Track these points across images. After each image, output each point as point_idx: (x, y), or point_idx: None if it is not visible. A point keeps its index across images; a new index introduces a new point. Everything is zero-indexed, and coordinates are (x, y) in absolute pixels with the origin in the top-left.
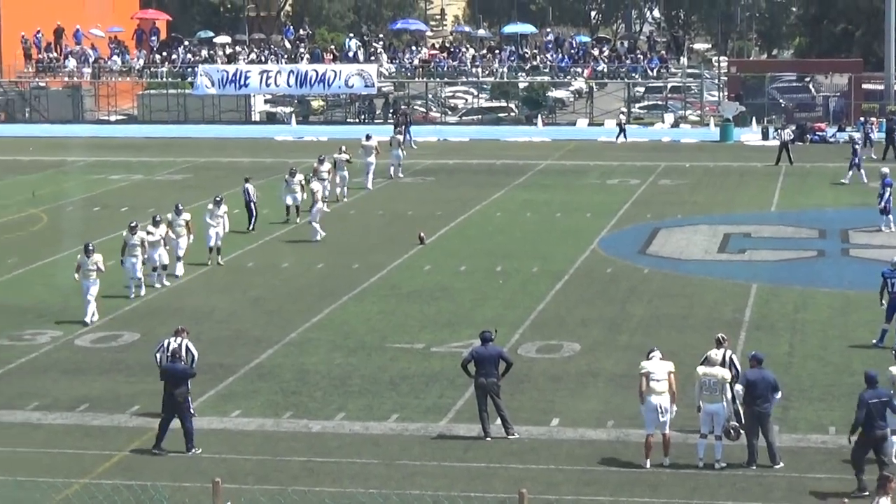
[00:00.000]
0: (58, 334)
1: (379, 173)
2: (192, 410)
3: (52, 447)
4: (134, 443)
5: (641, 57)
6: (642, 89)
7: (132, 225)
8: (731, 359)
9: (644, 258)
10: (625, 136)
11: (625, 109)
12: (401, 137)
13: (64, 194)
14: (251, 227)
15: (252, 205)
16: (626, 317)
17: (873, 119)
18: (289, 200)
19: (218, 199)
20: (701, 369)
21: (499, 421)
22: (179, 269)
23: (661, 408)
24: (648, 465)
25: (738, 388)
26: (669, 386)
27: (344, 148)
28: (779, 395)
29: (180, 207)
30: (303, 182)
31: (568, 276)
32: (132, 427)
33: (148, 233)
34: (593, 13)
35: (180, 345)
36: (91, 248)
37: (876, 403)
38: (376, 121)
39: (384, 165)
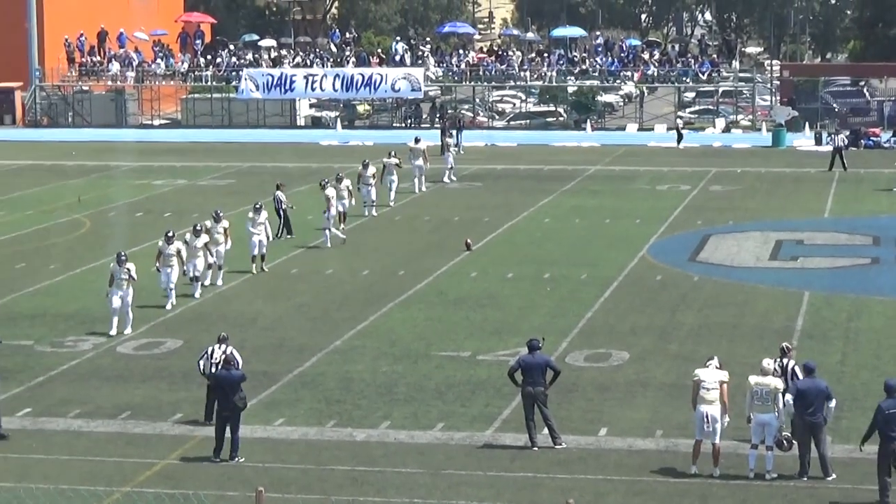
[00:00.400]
0: (100, 341)
1: (427, 178)
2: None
3: (93, 455)
4: (176, 451)
5: (692, 60)
6: (693, 94)
7: (168, 234)
8: (793, 369)
9: (694, 265)
10: (682, 141)
11: (683, 114)
12: (451, 141)
13: (107, 199)
14: (279, 235)
15: (281, 211)
16: (676, 325)
17: None
18: (339, 207)
19: (258, 205)
20: (753, 379)
21: (546, 430)
22: (219, 278)
23: (708, 417)
24: (694, 470)
25: (788, 397)
26: (721, 396)
27: (394, 152)
28: (833, 403)
29: (219, 214)
30: (350, 188)
31: (617, 283)
32: (175, 435)
33: (185, 242)
34: (644, 16)
35: (230, 351)
36: (124, 256)
37: (894, 413)
38: (423, 125)
39: (435, 170)
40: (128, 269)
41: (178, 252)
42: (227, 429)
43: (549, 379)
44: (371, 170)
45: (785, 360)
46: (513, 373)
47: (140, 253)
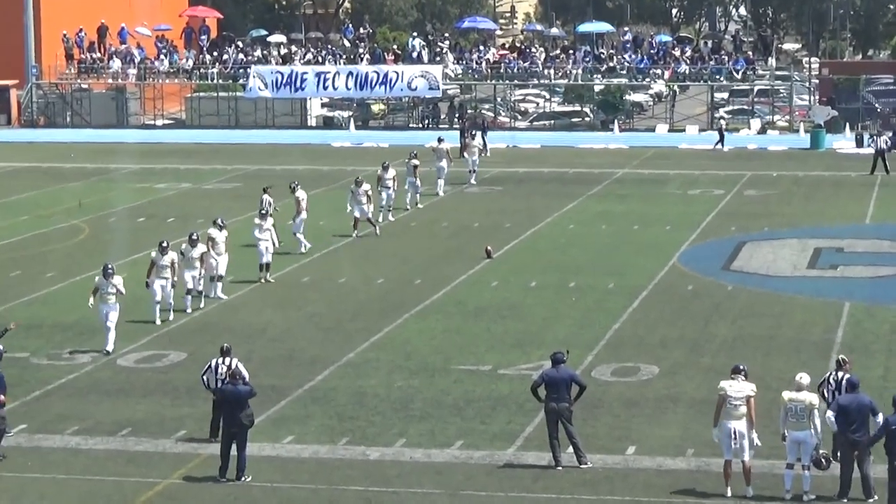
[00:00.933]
0: (99, 354)
1: (450, 180)
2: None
3: (92, 474)
4: (180, 470)
5: (726, 58)
6: (727, 93)
7: (163, 244)
8: (845, 383)
9: (728, 274)
10: (723, 142)
11: (724, 114)
12: (476, 143)
13: (107, 204)
14: None
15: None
16: (709, 337)
17: None
18: (356, 213)
19: (263, 211)
20: (787, 394)
21: (570, 449)
22: (219, 290)
23: (735, 433)
24: (730, 493)
25: (830, 414)
26: (748, 410)
27: (416, 153)
28: (880, 417)
29: (221, 223)
30: (369, 192)
31: (646, 292)
32: (178, 453)
33: (180, 253)
34: (675, 10)
35: (235, 365)
36: (111, 269)
37: None
38: (441, 126)
39: (456, 173)
40: (114, 284)
41: (173, 263)
42: (234, 447)
43: (574, 394)
44: (391, 172)
45: (840, 374)
46: (536, 388)
47: (142, 260)
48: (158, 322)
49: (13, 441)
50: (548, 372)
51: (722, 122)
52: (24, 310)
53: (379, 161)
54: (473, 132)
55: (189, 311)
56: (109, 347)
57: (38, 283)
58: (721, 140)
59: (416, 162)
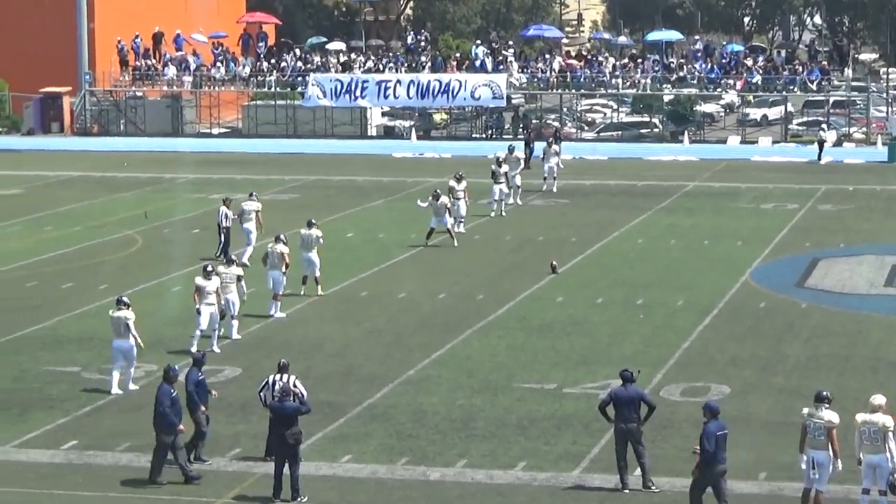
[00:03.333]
0: (152, 368)
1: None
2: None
3: (144, 493)
4: (233, 490)
5: (800, 68)
6: (801, 104)
7: (207, 269)
8: None
9: (802, 291)
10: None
11: (824, 126)
12: (556, 148)
13: (161, 214)
14: (217, 254)
15: (221, 228)
16: (781, 357)
17: None
18: (433, 223)
19: (312, 221)
20: (860, 416)
21: (638, 471)
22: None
23: (814, 462)
24: None
25: None
26: (829, 439)
27: (501, 157)
28: None
29: (282, 238)
30: (448, 205)
31: (716, 310)
32: (232, 472)
33: (217, 274)
34: (747, 19)
35: (288, 382)
36: (124, 301)
37: None
38: (505, 136)
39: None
40: (126, 317)
41: (217, 290)
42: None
43: (643, 414)
44: (464, 183)
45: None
46: (604, 407)
47: (197, 272)
48: (194, 349)
49: (63, 457)
50: (616, 390)
51: (822, 133)
52: (76, 323)
53: (441, 172)
54: (550, 140)
55: (234, 336)
56: (114, 389)
57: (90, 296)
58: (820, 152)
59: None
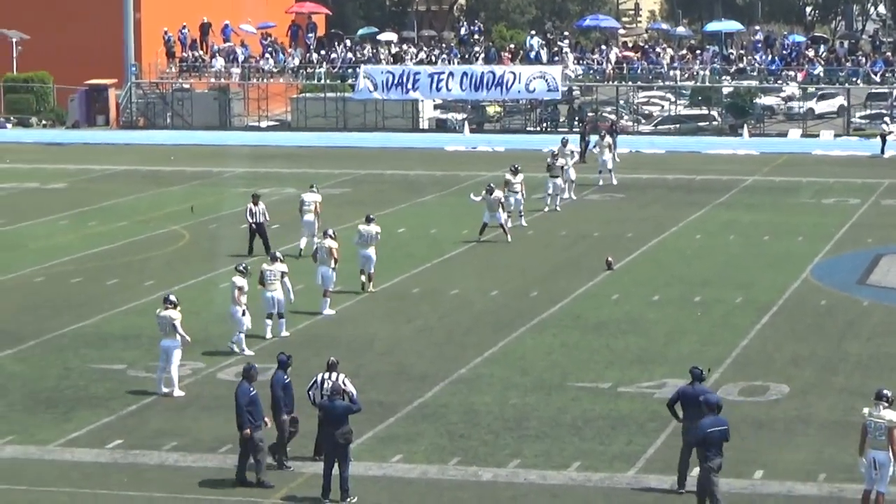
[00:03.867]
0: (199, 366)
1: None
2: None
3: (190, 493)
4: (282, 490)
5: (864, 59)
6: (864, 96)
7: (241, 268)
8: None
9: (864, 289)
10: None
11: (887, 119)
12: (609, 141)
13: (208, 209)
14: (249, 252)
15: (255, 225)
16: (842, 356)
17: None
18: (485, 218)
19: (370, 216)
20: None
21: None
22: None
23: (875, 463)
24: None
25: None
26: (891, 439)
27: (555, 150)
28: None
29: (330, 233)
30: (501, 200)
31: (776, 308)
32: (280, 472)
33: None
34: (809, 9)
35: (338, 380)
36: (171, 300)
37: None
38: (560, 129)
39: (583, 179)
40: (170, 318)
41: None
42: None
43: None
44: (520, 176)
45: None
46: (672, 404)
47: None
48: (237, 347)
49: (108, 456)
50: (683, 388)
51: (885, 126)
52: (122, 320)
53: (495, 166)
54: (603, 133)
55: (268, 336)
56: (177, 393)
57: (136, 292)
58: (883, 146)
59: (562, 161)
